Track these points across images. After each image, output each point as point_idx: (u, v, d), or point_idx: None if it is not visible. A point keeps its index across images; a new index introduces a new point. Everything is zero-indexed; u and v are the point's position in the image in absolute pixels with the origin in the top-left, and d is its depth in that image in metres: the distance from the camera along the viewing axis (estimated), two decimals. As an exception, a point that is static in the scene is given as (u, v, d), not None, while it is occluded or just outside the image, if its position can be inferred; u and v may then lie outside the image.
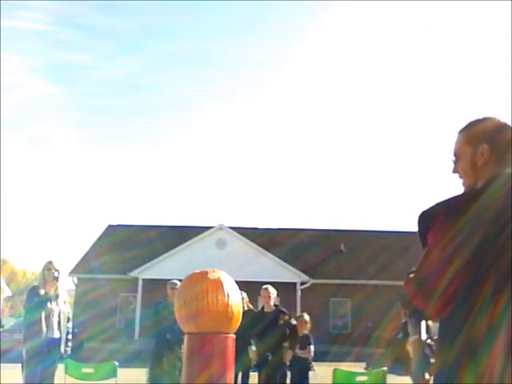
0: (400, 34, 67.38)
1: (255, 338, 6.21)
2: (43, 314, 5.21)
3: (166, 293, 6.64)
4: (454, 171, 1.69)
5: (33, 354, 5.06)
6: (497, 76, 66.69)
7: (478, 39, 66.47)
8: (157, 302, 6.89)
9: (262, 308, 6.46)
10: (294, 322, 6.30)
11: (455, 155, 1.67)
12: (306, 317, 7.11)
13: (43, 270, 5.44)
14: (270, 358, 5.93)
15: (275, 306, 6.30)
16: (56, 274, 5.39)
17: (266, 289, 6.33)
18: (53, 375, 5.27)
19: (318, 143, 71.84)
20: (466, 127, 1.67)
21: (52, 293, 5.38)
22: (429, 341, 6.03)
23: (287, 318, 6.22)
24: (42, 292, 5.32)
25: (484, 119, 1.66)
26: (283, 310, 6.36)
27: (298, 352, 6.47)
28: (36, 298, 5.25)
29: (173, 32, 70.42)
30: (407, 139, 75.75)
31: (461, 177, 1.67)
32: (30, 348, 5.08)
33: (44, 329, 5.17)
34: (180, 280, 3.18)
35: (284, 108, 70.23)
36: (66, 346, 5.40)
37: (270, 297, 6.23)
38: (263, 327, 6.06)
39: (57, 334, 5.30)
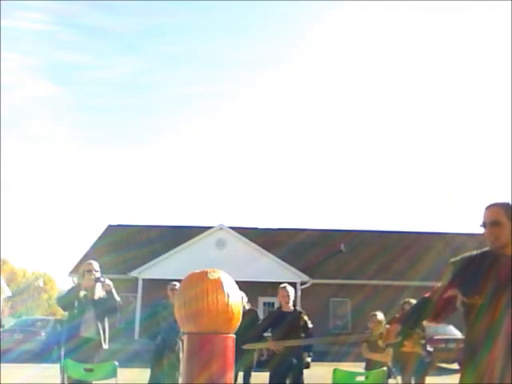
0: (403, 34, 67.46)
1: (276, 339, 5.90)
2: (84, 317, 5.23)
3: (166, 294, 6.65)
4: (491, 232, 2.38)
5: (72, 355, 5.14)
6: (497, 76, 66.75)
7: (481, 40, 66.53)
8: (157, 303, 6.92)
9: (280, 308, 6.15)
10: (310, 325, 6.05)
11: (496, 222, 2.37)
12: (380, 316, 6.18)
13: (83, 271, 5.38)
14: (294, 361, 5.79)
15: (294, 306, 6.06)
16: (97, 275, 5.33)
17: (285, 288, 6.03)
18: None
19: (318, 143, 71.92)
20: (506, 207, 2.41)
21: (93, 295, 5.34)
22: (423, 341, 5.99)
23: (306, 320, 6.00)
24: (82, 294, 5.30)
25: None
26: (302, 310, 6.19)
27: (375, 356, 5.90)
28: (78, 301, 5.25)
29: (173, 32, 70.43)
30: (407, 139, 75.83)
31: (493, 237, 2.37)
32: (69, 349, 5.17)
33: (85, 330, 5.22)
34: (180, 280, 3.17)
35: (284, 108, 70.32)
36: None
37: (288, 296, 5.97)
38: (284, 329, 5.80)
39: (93, 334, 5.32)
